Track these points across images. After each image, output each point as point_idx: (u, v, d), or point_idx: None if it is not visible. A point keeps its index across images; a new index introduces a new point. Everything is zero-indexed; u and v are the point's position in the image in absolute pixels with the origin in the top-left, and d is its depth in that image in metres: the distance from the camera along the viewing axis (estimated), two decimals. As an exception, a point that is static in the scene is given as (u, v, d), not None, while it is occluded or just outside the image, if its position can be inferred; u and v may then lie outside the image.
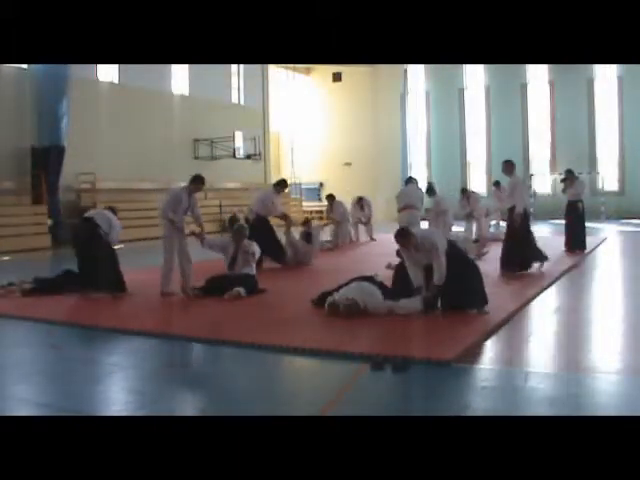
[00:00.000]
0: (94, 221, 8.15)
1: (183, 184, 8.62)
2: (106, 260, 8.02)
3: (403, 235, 6.39)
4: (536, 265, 9.46)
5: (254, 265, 8.58)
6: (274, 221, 11.29)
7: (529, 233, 9.54)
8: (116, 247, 8.57)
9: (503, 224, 12.56)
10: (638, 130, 24.99)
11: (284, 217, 11.33)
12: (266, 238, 10.23)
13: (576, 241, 12.34)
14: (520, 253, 9.20)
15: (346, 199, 17.14)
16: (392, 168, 28.31)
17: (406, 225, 9.63)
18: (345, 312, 6.30)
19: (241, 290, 7.76)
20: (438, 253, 6.22)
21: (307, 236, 11.41)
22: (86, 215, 8.59)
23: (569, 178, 12.80)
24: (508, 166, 9.50)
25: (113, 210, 8.58)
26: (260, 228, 10.39)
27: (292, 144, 29.36)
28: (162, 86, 22.28)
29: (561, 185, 13.41)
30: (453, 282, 6.24)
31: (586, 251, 12.14)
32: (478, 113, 28.11)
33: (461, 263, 6.48)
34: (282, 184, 11.11)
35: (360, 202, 17.08)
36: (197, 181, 8.22)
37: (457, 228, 14.53)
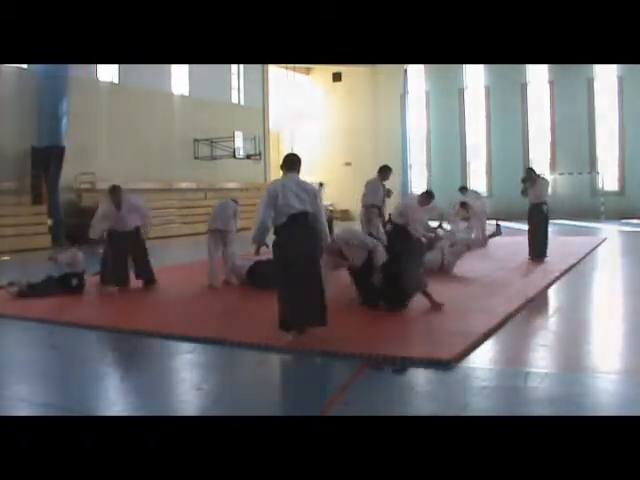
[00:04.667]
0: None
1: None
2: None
3: None
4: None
5: None
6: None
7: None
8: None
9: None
10: (638, 130, 24.96)
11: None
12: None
13: (537, 248, 11.03)
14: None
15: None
16: (392, 168, 28.24)
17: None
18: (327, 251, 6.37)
19: None
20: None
21: None
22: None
23: (530, 179, 11.34)
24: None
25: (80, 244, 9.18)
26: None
27: (292, 144, 29.34)
28: (162, 86, 22.27)
29: (521, 187, 11.46)
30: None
31: (547, 259, 10.88)
32: (478, 113, 28.08)
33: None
34: (388, 170, 11.36)
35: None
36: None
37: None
